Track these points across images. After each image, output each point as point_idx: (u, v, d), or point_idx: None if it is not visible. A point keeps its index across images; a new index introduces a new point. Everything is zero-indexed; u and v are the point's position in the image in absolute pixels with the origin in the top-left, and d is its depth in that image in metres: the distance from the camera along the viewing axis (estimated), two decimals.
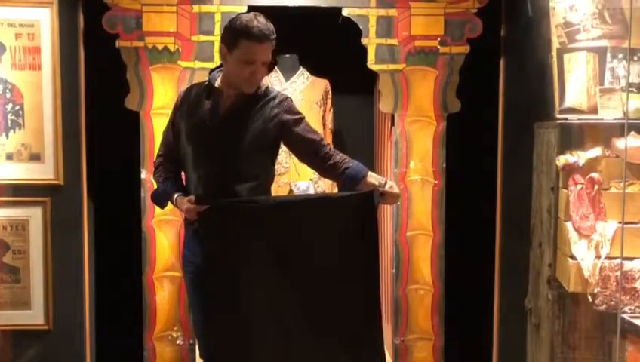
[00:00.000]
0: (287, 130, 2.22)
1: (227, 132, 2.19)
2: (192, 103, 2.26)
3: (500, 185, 3.15)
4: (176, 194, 2.24)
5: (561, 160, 2.34)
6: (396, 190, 2.19)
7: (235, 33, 2.13)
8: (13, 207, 2.96)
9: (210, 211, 2.12)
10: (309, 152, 2.23)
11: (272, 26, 2.15)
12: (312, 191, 2.21)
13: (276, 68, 3.31)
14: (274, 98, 2.24)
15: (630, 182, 2.28)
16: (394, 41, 3.02)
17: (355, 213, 2.15)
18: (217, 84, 2.25)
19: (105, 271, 3.24)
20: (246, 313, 2.14)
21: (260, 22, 2.12)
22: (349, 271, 2.16)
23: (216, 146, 2.18)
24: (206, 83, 2.28)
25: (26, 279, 2.99)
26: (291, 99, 2.30)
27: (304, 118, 2.28)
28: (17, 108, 2.93)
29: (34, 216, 2.97)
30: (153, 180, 2.40)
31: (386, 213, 3.37)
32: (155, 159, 2.40)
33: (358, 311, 2.18)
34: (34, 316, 3.00)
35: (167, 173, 2.32)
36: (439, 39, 3.03)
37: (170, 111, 2.36)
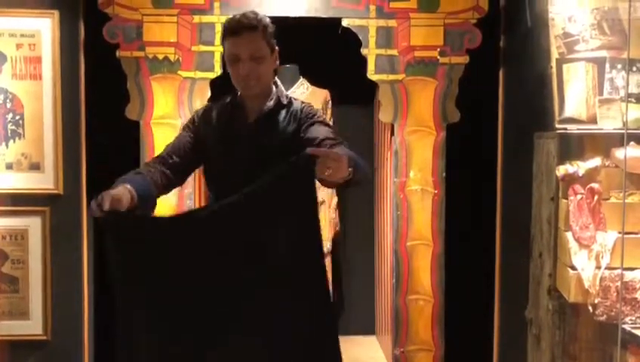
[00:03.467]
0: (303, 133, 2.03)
1: (259, 146, 2.03)
2: (217, 120, 2.11)
3: (500, 195, 3.15)
4: (118, 186, 1.81)
5: (561, 170, 2.33)
6: (336, 152, 1.75)
7: (221, 37, 2.05)
8: (13, 216, 2.96)
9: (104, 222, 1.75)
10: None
11: (257, 16, 2.00)
12: None
13: (276, 78, 3.32)
14: (300, 110, 2.08)
15: (630, 192, 2.28)
16: (393, 52, 3.04)
17: (286, 193, 1.75)
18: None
19: (104, 281, 3.23)
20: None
21: (242, 15, 1.99)
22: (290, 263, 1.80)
23: (248, 160, 2.01)
24: (228, 99, 2.14)
25: (25, 289, 2.98)
26: (319, 114, 2.12)
27: (321, 122, 2.07)
28: (17, 117, 2.94)
29: (33, 226, 2.97)
30: None
31: (386, 223, 3.37)
32: None
33: (308, 307, 1.83)
34: (32, 326, 2.98)
35: (140, 169, 2.03)
36: (439, 50, 3.04)
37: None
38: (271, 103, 2.09)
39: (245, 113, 2.10)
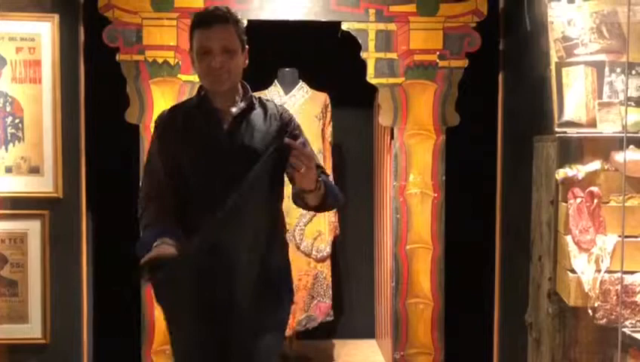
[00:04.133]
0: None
1: (240, 147, 1.97)
2: (186, 125, 2.00)
3: (500, 198, 3.15)
4: (156, 242, 1.86)
5: (561, 173, 2.33)
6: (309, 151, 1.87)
7: (189, 29, 1.96)
8: (12, 220, 2.95)
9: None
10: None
11: (228, 10, 1.94)
12: None
13: (276, 81, 3.33)
14: (279, 113, 2.05)
15: (629, 195, 2.28)
16: (393, 55, 3.04)
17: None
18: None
19: (103, 284, 3.23)
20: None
21: (213, 8, 1.95)
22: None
23: (230, 162, 1.94)
24: (193, 101, 2.05)
25: (24, 292, 2.98)
26: (297, 124, 2.11)
27: (303, 139, 2.08)
28: (17, 121, 2.94)
29: (32, 229, 2.96)
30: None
31: (386, 227, 3.37)
32: (138, 198, 2.04)
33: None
34: (31, 330, 2.98)
35: (149, 219, 1.97)
36: (438, 53, 3.04)
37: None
38: (243, 104, 2.01)
39: (217, 114, 2.01)
